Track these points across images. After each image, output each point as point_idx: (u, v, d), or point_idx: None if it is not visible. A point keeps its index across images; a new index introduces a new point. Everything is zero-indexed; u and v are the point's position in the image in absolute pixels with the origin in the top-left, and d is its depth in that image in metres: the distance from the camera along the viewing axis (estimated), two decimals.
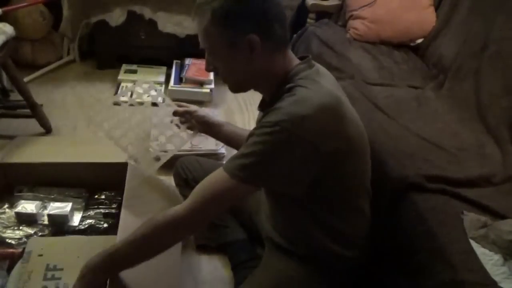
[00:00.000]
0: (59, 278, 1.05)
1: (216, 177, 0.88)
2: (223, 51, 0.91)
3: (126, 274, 0.94)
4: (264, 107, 1.02)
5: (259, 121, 1.03)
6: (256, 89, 1.00)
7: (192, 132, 1.28)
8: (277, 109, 0.85)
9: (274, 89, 0.94)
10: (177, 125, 1.29)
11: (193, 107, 1.27)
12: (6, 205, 1.31)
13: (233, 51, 0.89)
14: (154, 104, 1.53)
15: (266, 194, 1.10)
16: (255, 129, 0.88)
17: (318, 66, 0.97)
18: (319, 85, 0.89)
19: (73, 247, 1.13)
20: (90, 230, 1.28)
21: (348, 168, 0.94)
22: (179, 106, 1.28)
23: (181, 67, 2.33)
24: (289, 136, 0.82)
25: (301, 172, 0.87)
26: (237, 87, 1.00)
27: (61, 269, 1.07)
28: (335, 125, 0.87)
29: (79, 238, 1.23)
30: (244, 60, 0.90)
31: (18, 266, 1.08)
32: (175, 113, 1.26)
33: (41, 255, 1.10)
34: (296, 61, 0.96)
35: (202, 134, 1.29)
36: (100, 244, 1.02)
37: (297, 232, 1.06)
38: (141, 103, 1.36)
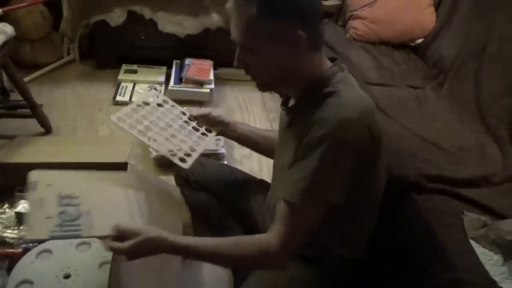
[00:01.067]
0: (78, 205, 0.94)
1: (288, 210, 0.85)
2: (262, 44, 0.85)
3: (127, 274, 0.94)
4: (287, 104, 1.01)
5: (283, 119, 1.04)
6: (284, 88, 0.98)
7: (212, 133, 1.24)
8: (322, 120, 0.82)
9: (305, 91, 0.92)
10: (194, 127, 1.23)
11: (206, 110, 1.24)
12: (6, 205, 1.31)
13: (273, 45, 0.85)
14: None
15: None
16: (306, 147, 0.84)
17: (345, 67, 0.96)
18: (356, 89, 0.90)
19: (84, 179, 1.05)
20: None
21: (376, 171, 0.94)
22: (190, 111, 1.24)
23: (181, 67, 2.33)
24: (341, 145, 0.81)
25: (353, 178, 0.86)
26: (267, 86, 0.97)
27: (77, 197, 0.97)
28: (376, 128, 0.87)
29: (89, 172, 1.11)
30: (282, 56, 0.86)
31: (25, 198, 1.00)
32: (190, 118, 1.23)
33: (49, 185, 1.00)
34: (327, 62, 0.93)
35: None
36: (112, 180, 0.98)
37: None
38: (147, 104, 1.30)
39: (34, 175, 1.04)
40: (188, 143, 1.15)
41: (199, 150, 1.17)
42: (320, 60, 0.92)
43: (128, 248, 0.82)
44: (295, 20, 0.82)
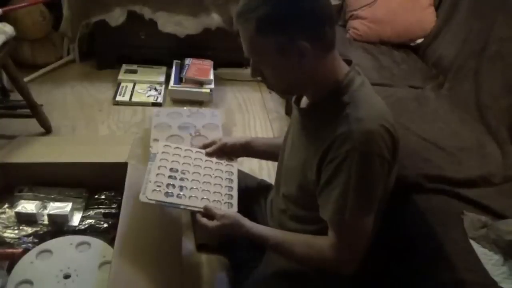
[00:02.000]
0: (184, 179, 1.09)
1: (337, 227, 0.89)
2: (271, 58, 0.86)
3: (127, 274, 0.95)
4: (299, 102, 1.02)
5: (296, 116, 1.04)
6: (303, 92, 0.98)
7: (234, 160, 1.24)
8: (345, 134, 0.83)
9: (322, 95, 0.91)
10: (216, 162, 1.21)
11: (218, 144, 1.23)
12: (6, 205, 1.31)
13: (282, 58, 0.85)
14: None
15: (301, 201, 1.04)
16: (335, 165, 0.85)
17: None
18: (373, 96, 0.91)
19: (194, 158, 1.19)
20: (90, 230, 1.28)
21: (391, 176, 0.95)
22: (203, 147, 1.23)
23: (181, 67, 2.33)
24: (369, 157, 0.82)
25: (383, 184, 0.89)
26: (285, 93, 1.00)
27: (184, 172, 1.12)
28: (395, 134, 0.88)
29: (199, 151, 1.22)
30: (294, 66, 0.86)
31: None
32: (207, 154, 1.22)
33: (165, 159, 1.14)
34: (343, 65, 0.92)
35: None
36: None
37: (312, 232, 1.06)
38: None
39: (154, 148, 1.18)
40: (223, 192, 1.12)
41: (235, 188, 1.15)
42: (334, 62, 0.91)
43: (212, 227, 0.97)
44: (296, 32, 0.82)
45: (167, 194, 1.04)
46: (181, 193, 1.06)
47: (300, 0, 0.81)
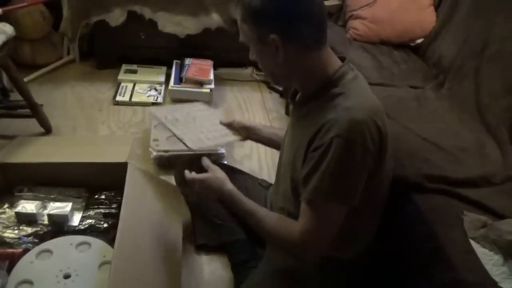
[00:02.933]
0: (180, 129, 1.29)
1: (310, 209, 0.89)
2: (255, 45, 0.93)
3: (127, 274, 0.94)
4: (294, 98, 1.04)
5: (293, 112, 1.08)
6: (289, 84, 1.02)
7: (236, 137, 1.31)
8: (332, 122, 0.84)
9: (313, 89, 0.94)
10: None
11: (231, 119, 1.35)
12: (6, 205, 1.31)
13: (262, 46, 0.91)
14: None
15: (294, 196, 1.04)
16: (320, 150, 0.86)
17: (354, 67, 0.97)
18: (364, 91, 0.92)
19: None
20: (90, 230, 1.28)
21: (382, 173, 0.95)
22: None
23: (181, 67, 2.33)
24: (353, 146, 0.83)
25: (364, 178, 0.89)
26: (274, 80, 1.05)
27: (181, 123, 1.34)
28: (384, 129, 0.89)
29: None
30: (272, 56, 0.91)
31: None
32: (221, 123, 1.34)
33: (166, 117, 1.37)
34: (337, 62, 0.94)
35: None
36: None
37: None
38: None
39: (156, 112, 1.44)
40: (210, 136, 1.28)
41: (215, 142, 1.28)
42: (324, 59, 0.92)
43: (199, 177, 1.06)
44: (269, 25, 0.88)
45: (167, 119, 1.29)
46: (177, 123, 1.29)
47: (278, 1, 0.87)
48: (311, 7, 0.88)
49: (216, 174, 1.07)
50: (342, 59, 0.96)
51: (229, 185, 1.06)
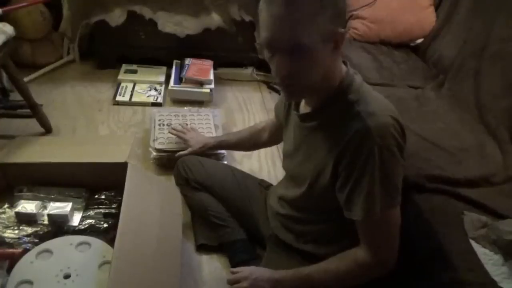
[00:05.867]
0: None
1: (371, 224, 0.89)
2: (314, 45, 0.81)
3: (127, 274, 0.94)
4: (297, 108, 1.01)
5: (297, 124, 1.02)
6: (312, 94, 0.94)
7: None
8: (361, 131, 0.83)
9: (325, 97, 0.91)
10: None
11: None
12: (6, 205, 1.31)
13: (323, 47, 0.82)
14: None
15: (306, 198, 1.03)
16: (358, 164, 0.85)
17: None
18: (373, 92, 0.92)
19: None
20: (90, 230, 1.28)
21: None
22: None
23: (181, 67, 2.33)
24: (389, 150, 0.84)
25: (402, 172, 0.90)
26: (302, 93, 0.93)
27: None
28: (402, 121, 0.90)
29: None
30: (326, 57, 0.85)
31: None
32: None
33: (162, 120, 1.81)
34: (343, 65, 0.93)
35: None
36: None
37: (313, 232, 1.06)
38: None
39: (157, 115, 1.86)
40: None
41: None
42: (339, 60, 0.92)
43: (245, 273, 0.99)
44: (341, 19, 0.83)
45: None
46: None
47: None
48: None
49: (250, 270, 1.02)
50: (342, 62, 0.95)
51: (275, 273, 0.99)
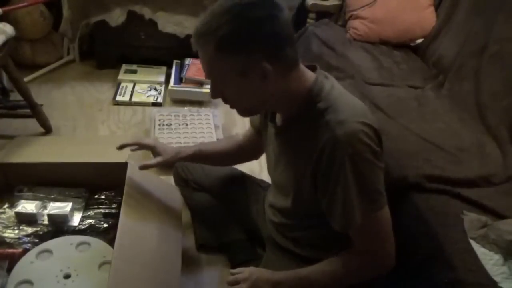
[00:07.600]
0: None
1: (360, 231, 0.89)
2: (232, 80, 0.84)
3: (127, 274, 0.94)
4: (274, 118, 1.00)
5: (270, 132, 1.02)
6: (271, 109, 0.97)
7: None
8: (330, 141, 0.82)
9: (295, 108, 0.91)
10: None
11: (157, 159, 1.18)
12: (6, 205, 1.31)
13: (243, 79, 0.83)
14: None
15: (295, 206, 1.03)
16: (331, 174, 0.84)
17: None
18: (345, 95, 0.90)
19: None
20: (90, 230, 1.28)
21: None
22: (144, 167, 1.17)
23: (181, 67, 2.33)
24: (361, 156, 0.82)
25: (382, 175, 0.89)
26: (248, 113, 0.97)
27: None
28: (376, 125, 0.88)
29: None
30: (256, 88, 0.85)
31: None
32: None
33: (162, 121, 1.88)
34: (310, 75, 0.91)
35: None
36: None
37: (308, 237, 1.06)
38: None
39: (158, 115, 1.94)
40: None
41: None
42: (301, 76, 0.89)
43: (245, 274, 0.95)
44: (257, 54, 0.80)
45: None
46: None
47: (261, 22, 0.80)
48: (291, 29, 0.85)
49: (249, 271, 0.98)
50: (311, 67, 0.93)
51: (275, 274, 0.98)
